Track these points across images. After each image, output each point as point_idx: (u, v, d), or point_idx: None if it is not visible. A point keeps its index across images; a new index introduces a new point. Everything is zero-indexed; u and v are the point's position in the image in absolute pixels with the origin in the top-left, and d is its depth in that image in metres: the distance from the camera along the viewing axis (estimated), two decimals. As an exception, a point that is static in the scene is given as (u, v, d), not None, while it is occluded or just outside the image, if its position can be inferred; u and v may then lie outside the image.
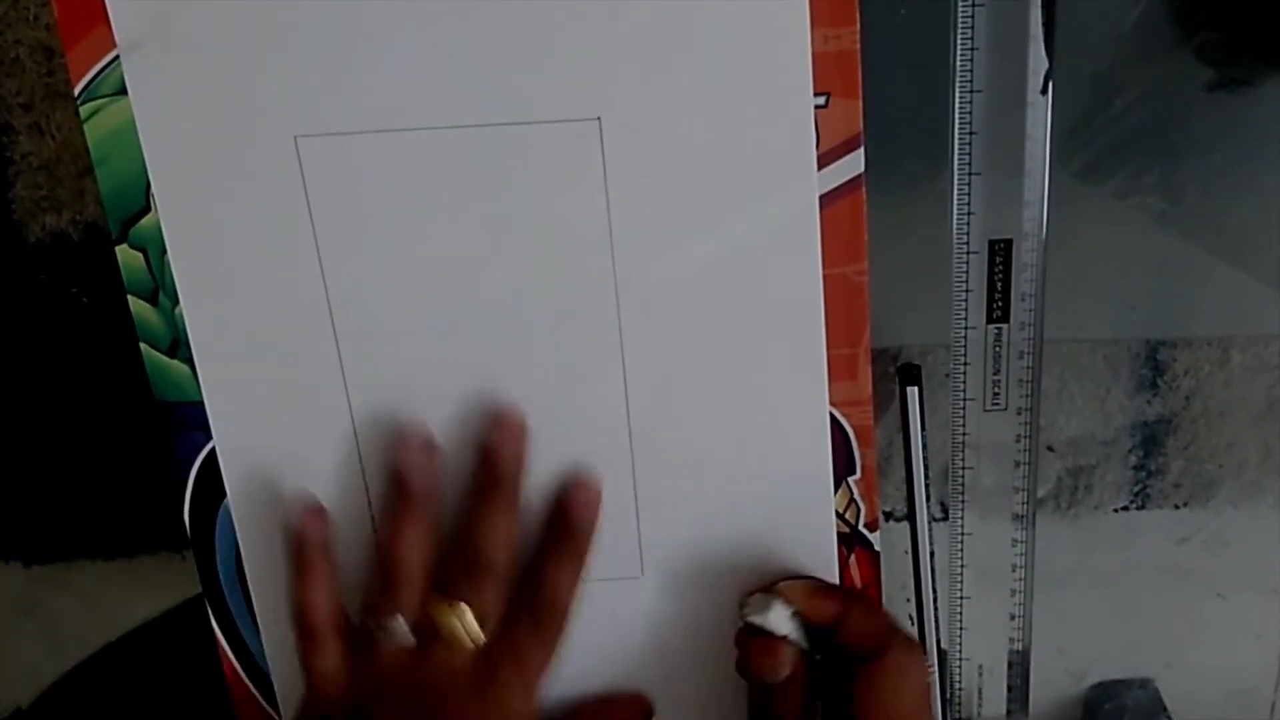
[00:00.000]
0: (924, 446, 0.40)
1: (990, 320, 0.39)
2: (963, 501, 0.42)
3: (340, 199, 0.39)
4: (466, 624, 0.38)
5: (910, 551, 0.46)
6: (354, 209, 0.39)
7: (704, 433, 0.42)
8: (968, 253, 0.39)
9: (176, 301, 0.40)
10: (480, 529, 0.39)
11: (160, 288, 0.40)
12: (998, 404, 0.39)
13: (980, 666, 0.52)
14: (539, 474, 0.42)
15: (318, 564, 0.40)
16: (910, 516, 0.41)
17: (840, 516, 0.43)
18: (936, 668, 0.48)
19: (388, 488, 0.41)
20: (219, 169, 0.39)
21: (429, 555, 0.40)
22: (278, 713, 0.45)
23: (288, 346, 0.41)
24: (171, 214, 0.39)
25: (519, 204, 0.39)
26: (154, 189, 0.39)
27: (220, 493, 0.42)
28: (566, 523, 0.41)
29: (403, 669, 0.38)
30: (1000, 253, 0.38)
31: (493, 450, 0.40)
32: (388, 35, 0.37)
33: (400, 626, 0.39)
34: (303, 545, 0.40)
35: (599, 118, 0.38)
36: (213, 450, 0.42)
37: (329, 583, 0.40)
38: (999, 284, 0.39)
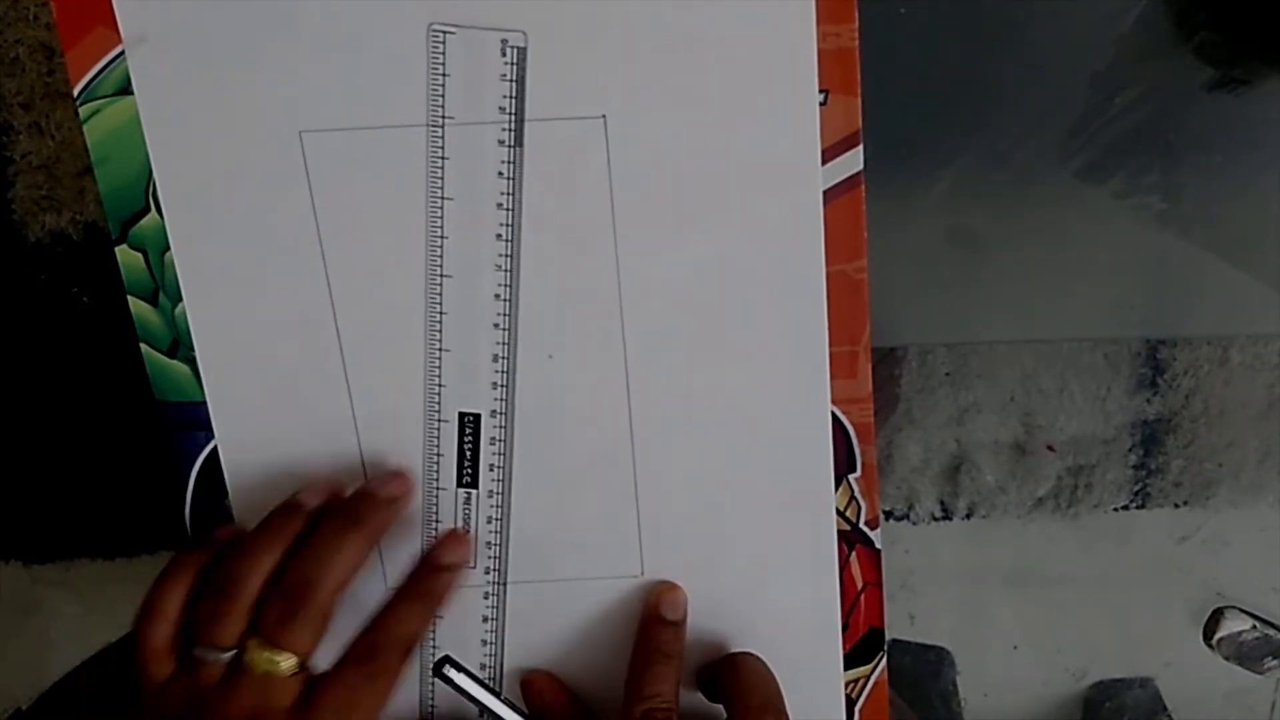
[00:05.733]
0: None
1: (460, 485, 0.42)
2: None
3: (344, 195, 0.39)
4: (281, 670, 0.37)
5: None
6: (358, 205, 0.39)
7: (705, 430, 0.42)
8: (439, 421, 0.42)
9: (176, 301, 0.40)
10: (317, 561, 0.38)
11: (160, 288, 0.40)
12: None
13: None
14: (538, 470, 0.42)
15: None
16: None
17: (841, 514, 0.43)
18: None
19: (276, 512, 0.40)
20: (223, 164, 0.39)
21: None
22: None
23: (291, 343, 0.41)
24: (175, 209, 0.39)
25: (524, 201, 0.39)
26: (158, 184, 0.39)
27: (220, 492, 0.42)
28: (426, 573, 0.41)
29: (221, 699, 0.37)
30: (470, 425, 0.42)
31: (367, 494, 0.40)
32: (392, 32, 0.37)
33: (217, 658, 0.37)
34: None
35: (604, 115, 0.38)
36: (213, 450, 0.42)
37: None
38: (468, 453, 0.42)
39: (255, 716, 0.37)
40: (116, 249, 0.40)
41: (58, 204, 0.47)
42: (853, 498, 0.43)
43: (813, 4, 0.37)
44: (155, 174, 0.39)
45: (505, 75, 0.38)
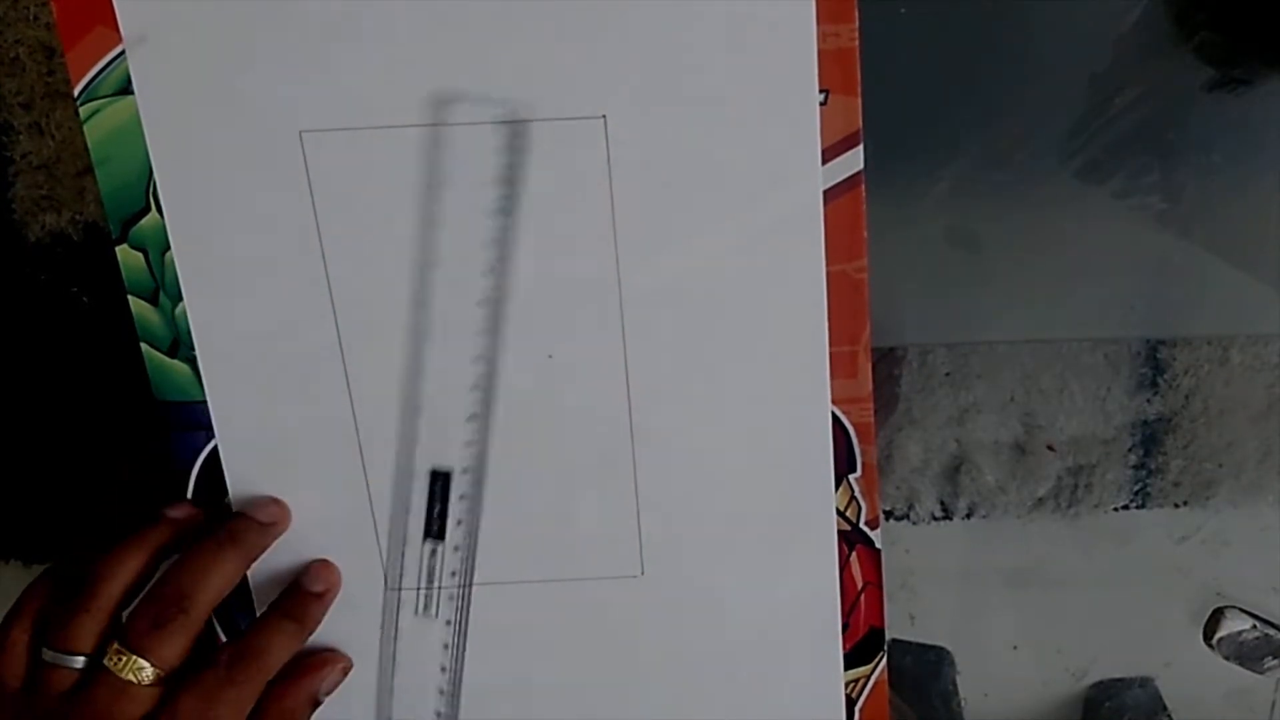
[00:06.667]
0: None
1: (427, 536, 0.43)
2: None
3: (345, 195, 0.39)
4: (143, 678, 0.36)
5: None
6: (358, 205, 0.39)
7: (705, 431, 0.42)
8: (409, 477, 0.42)
9: (176, 301, 0.40)
10: (193, 575, 0.38)
11: (160, 288, 0.40)
12: (428, 612, 0.44)
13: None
14: (537, 470, 0.42)
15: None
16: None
17: (841, 514, 0.43)
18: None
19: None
20: (223, 164, 0.39)
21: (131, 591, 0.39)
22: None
23: (291, 343, 0.41)
24: (176, 209, 0.39)
25: (523, 202, 0.39)
26: (158, 184, 0.39)
27: (220, 492, 0.42)
28: (295, 595, 0.41)
29: (71, 707, 0.36)
30: (440, 481, 0.42)
31: (244, 515, 0.41)
32: (394, 31, 0.37)
33: (67, 664, 0.37)
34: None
35: (604, 116, 0.38)
36: (213, 450, 0.42)
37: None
38: (438, 507, 0.43)
39: None
40: (117, 249, 0.40)
41: (58, 204, 0.47)
42: (853, 498, 0.43)
43: (813, 4, 0.37)
44: (155, 174, 0.39)
45: (502, 147, 0.38)
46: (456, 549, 0.43)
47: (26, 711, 0.37)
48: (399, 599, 0.43)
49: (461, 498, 0.42)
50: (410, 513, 0.42)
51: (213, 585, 0.38)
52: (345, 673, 0.44)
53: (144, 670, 0.36)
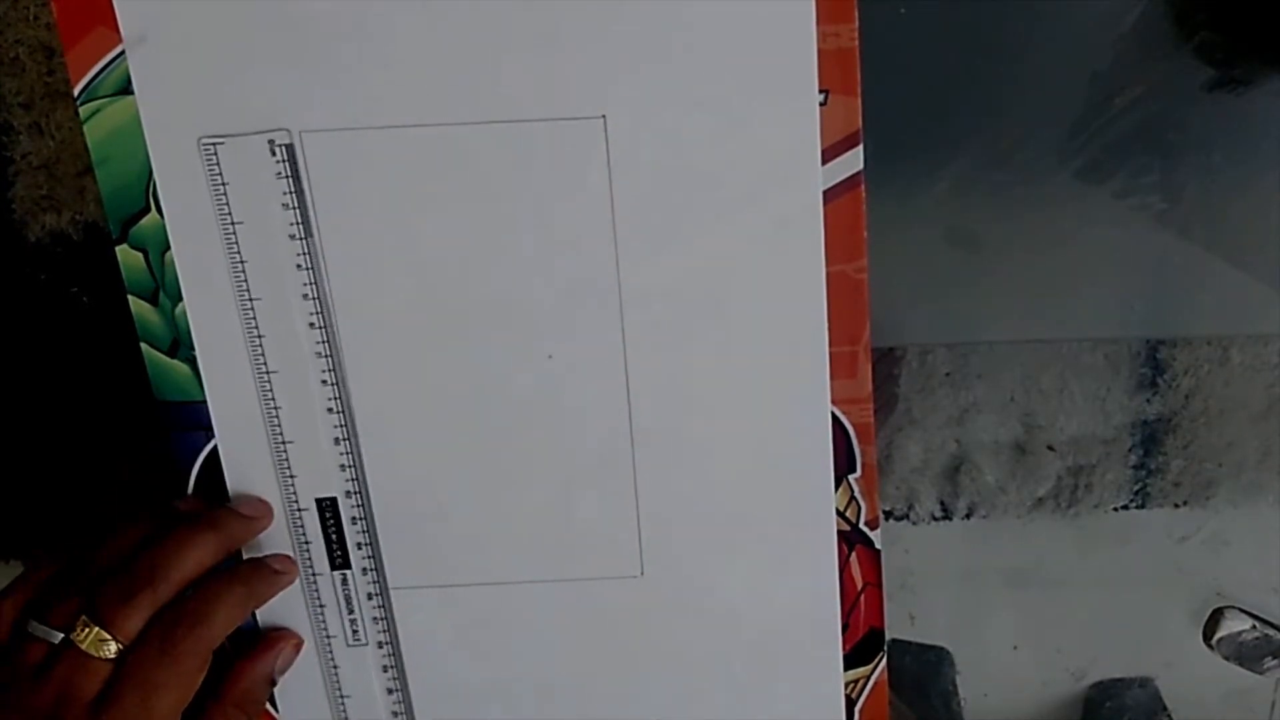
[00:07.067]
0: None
1: (334, 567, 0.43)
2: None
3: (343, 196, 0.39)
4: (106, 652, 0.36)
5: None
6: (357, 206, 0.39)
7: (705, 431, 0.42)
8: (299, 510, 0.42)
9: (176, 301, 0.40)
10: (167, 552, 0.38)
11: (160, 288, 0.40)
12: (358, 640, 0.44)
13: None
14: (537, 470, 0.42)
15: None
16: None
17: (841, 514, 0.43)
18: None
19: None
20: (223, 164, 0.39)
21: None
22: (278, 711, 0.45)
23: (289, 345, 0.41)
24: (175, 209, 0.39)
25: (523, 202, 0.39)
26: (158, 184, 0.39)
27: (221, 493, 0.42)
28: (249, 565, 0.41)
29: (39, 679, 0.36)
30: (329, 509, 0.42)
31: (230, 510, 0.41)
32: (393, 31, 0.37)
33: (46, 635, 0.36)
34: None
35: (604, 116, 0.38)
36: (213, 450, 0.42)
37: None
38: (334, 536, 0.43)
39: (63, 700, 0.36)
40: (117, 249, 0.40)
41: (58, 204, 0.47)
42: (853, 498, 0.43)
43: (813, 4, 0.37)
44: (155, 175, 0.39)
45: (280, 173, 0.39)
46: (365, 573, 0.43)
47: None
48: (326, 632, 0.44)
49: (354, 521, 0.42)
50: (311, 544, 0.43)
51: (185, 565, 0.38)
52: (298, 650, 0.43)
53: (107, 644, 0.36)
